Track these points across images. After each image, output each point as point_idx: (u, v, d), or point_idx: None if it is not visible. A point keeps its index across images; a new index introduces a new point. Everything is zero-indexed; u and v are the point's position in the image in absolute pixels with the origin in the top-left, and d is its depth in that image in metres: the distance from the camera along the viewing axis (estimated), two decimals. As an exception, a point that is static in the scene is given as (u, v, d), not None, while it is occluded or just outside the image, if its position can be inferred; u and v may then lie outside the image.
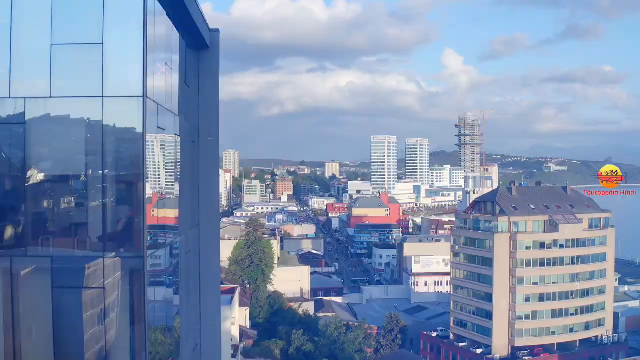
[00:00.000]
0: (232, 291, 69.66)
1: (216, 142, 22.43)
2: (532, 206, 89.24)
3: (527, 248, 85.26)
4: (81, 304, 13.65)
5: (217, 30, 22.38)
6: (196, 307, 21.51)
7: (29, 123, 13.53)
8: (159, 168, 16.21)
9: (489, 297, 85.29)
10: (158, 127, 15.51)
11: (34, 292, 13.85)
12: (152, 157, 15.00)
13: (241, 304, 77.20)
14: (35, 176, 13.74)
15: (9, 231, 13.88)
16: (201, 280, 21.91)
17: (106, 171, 13.70)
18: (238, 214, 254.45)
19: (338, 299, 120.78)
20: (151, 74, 14.16)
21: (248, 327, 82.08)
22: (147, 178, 14.01)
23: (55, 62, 13.38)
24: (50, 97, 13.41)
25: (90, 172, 13.83)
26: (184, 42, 20.34)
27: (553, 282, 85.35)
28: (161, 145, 16.30)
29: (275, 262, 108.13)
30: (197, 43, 21.40)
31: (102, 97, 13.33)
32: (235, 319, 68.49)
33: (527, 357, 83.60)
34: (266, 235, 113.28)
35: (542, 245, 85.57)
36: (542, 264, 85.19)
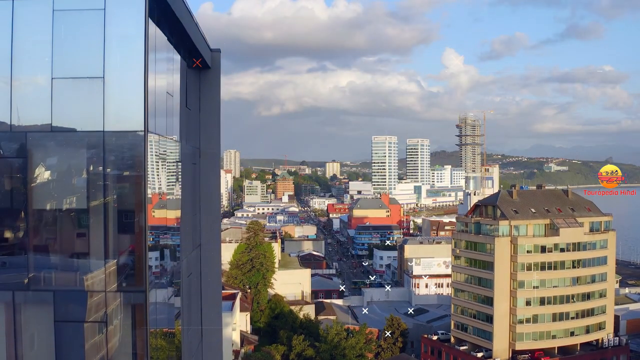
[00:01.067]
0: (232, 297, 69.64)
1: (217, 162, 22.41)
2: (533, 210, 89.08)
3: (528, 252, 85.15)
4: (83, 337, 13.64)
5: (218, 50, 22.31)
6: (198, 327, 21.49)
7: (30, 157, 13.49)
8: (160, 195, 16.19)
9: (489, 301, 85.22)
10: (159, 156, 15.49)
11: (36, 324, 13.86)
12: (153, 186, 14.99)
13: (242, 309, 77.20)
14: (37, 210, 13.71)
15: (10, 264, 13.88)
16: (202, 300, 21.89)
17: (109, 205, 13.67)
18: (239, 214, 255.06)
19: (339, 301, 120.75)
20: (152, 105, 14.11)
21: (249, 331, 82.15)
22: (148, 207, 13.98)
23: (56, 96, 13.33)
24: (52, 131, 13.36)
25: (93, 204, 13.79)
26: (185, 63, 20.30)
27: (554, 286, 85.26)
28: (162, 173, 16.27)
29: (276, 265, 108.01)
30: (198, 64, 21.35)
31: (104, 131, 13.28)
32: (236, 324, 68.50)
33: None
34: (267, 239, 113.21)
35: (543, 249, 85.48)
36: (542, 268, 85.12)
